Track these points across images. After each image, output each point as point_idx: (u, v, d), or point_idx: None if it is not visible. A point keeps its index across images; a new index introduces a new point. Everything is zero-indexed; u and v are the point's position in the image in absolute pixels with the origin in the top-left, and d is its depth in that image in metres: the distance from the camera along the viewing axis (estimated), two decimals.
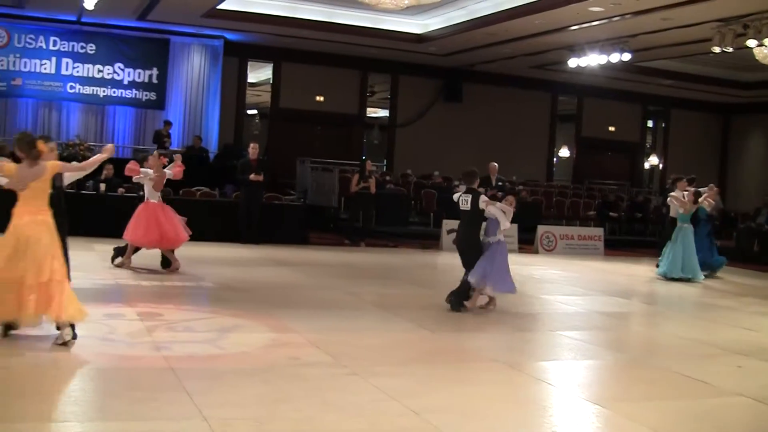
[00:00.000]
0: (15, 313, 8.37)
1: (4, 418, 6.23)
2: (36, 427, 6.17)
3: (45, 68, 26.98)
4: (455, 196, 13.02)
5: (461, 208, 12.64)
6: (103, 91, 27.52)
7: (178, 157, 15.51)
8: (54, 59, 27.01)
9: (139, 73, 27.86)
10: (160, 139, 26.08)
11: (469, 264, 12.43)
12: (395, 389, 7.62)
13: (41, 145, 8.66)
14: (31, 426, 6.17)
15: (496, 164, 23.21)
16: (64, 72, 27.11)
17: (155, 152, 16.26)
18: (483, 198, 12.51)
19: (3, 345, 8.44)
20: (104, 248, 15.57)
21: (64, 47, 27.11)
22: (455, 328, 11.28)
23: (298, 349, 9.00)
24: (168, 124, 26.76)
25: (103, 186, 20.15)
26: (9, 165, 8.45)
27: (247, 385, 7.56)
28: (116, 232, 14.97)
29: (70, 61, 27.18)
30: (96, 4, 21.01)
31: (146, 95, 27.96)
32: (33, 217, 8.50)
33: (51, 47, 27.00)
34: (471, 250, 12.51)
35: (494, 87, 31.99)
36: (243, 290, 13.30)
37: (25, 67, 26.77)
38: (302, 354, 8.83)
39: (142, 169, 14.72)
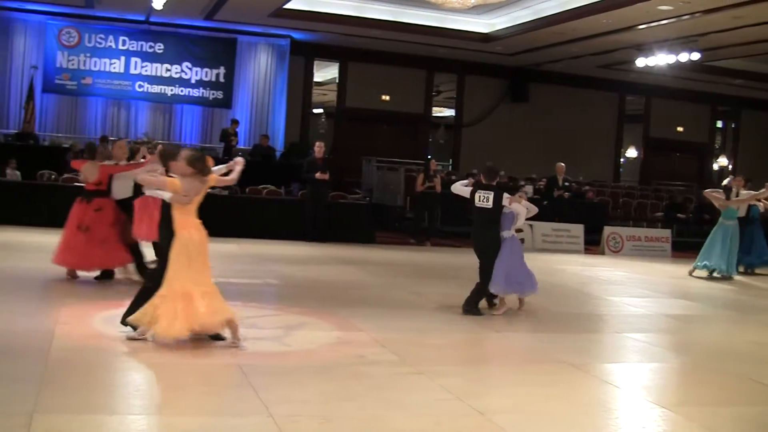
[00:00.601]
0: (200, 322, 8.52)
1: (70, 409, 6.32)
2: (103, 419, 6.23)
3: (114, 67, 27.36)
4: (462, 192, 12.38)
5: (478, 206, 12.01)
6: (171, 90, 27.83)
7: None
8: (123, 58, 27.39)
9: (207, 72, 28.12)
10: (227, 138, 26.27)
11: (488, 266, 11.96)
12: (460, 389, 7.60)
13: (210, 161, 8.83)
14: (98, 418, 6.24)
15: (563, 165, 23.08)
16: (132, 71, 27.49)
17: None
18: (507, 195, 11.98)
19: (70, 338, 8.55)
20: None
21: (133, 47, 27.48)
22: (521, 329, 11.22)
23: (363, 348, 9.00)
24: (235, 122, 26.93)
25: None
26: (173, 180, 8.54)
27: (313, 383, 7.58)
28: None
29: (138, 60, 27.54)
30: (164, 4, 21.25)
31: (213, 94, 28.21)
32: (198, 231, 8.70)
33: (120, 47, 27.38)
34: (493, 250, 11.99)
35: (560, 87, 31.79)
36: (308, 288, 13.34)
37: (95, 66, 27.19)
38: (367, 352, 8.83)
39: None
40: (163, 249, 8.77)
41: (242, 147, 27.09)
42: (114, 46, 27.35)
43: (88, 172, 12.40)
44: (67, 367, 7.52)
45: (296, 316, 10.67)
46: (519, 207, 12.10)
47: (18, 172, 21.60)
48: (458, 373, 8.33)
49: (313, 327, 10.08)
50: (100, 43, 27.28)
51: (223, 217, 20.20)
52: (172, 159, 9.05)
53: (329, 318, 10.55)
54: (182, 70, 27.89)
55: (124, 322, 8.79)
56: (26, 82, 26.64)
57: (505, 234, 12.14)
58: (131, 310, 8.72)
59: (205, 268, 8.69)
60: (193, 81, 28.02)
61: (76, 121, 27.37)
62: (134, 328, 8.64)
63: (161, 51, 27.72)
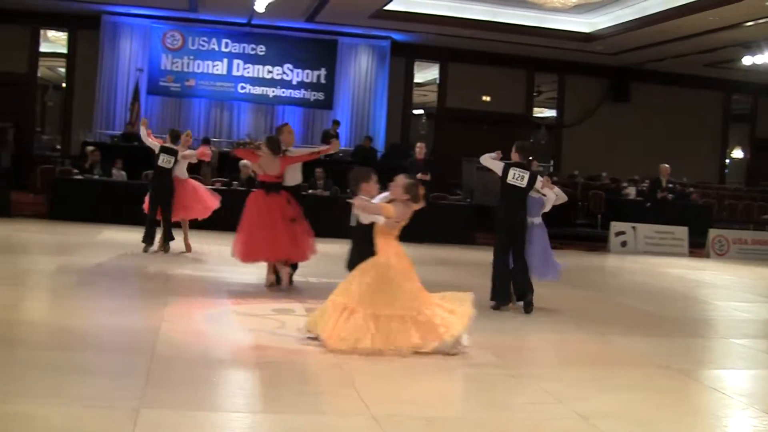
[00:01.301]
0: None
1: (175, 405, 6.39)
2: (207, 416, 6.30)
3: (217, 69, 27.74)
4: (492, 166, 11.99)
5: (510, 183, 11.66)
6: (273, 92, 28.10)
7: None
8: (226, 61, 27.75)
9: (308, 74, 28.32)
10: (329, 139, 26.35)
11: (519, 249, 11.67)
12: (562, 392, 7.50)
13: (423, 190, 8.92)
14: (202, 414, 6.30)
15: (667, 166, 22.75)
16: (235, 73, 27.83)
17: (187, 131, 17.19)
18: (540, 178, 11.68)
19: (175, 335, 8.67)
20: None
21: (235, 49, 27.83)
22: (625, 332, 11.02)
23: (465, 349, 8.95)
24: (336, 123, 27.07)
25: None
26: (388, 206, 8.65)
27: (415, 384, 7.57)
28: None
29: (241, 62, 27.87)
30: (266, 6, 21.43)
31: (314, 95, 28.40)
32: (398, 256, 8.79)
33: (223, 49, 27.76)
34: (522, 231, 11.71)
35: (664, 86, 31.26)
36: None
37: (198, 68, 27.61)
38: (469, 354, 8.78)
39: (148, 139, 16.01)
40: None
41: (344, 148, 27.21)
42: (217, 49, 27.75)
43: (267, 166, 12.20)
44: (172, 364, 7.63)
45: None
46: (550, 192, 11.89)
47: (123, 173, 22.00)
48: (558, 375, 8.23)
49: None
50: (204, 46, 27.70)
51: (325, 217, 20.34)
52: (364, 181, 9.24)
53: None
54: (284, 72, 28.14)
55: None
56: (132, 84, 27.17)
57: (535, 221, 12.00)
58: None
59: (401, 292, 8.61)
60: (294, 82, 28.25)
61: (180, 123, 27.74)
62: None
63: (263, 53, 28.01)
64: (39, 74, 29.00)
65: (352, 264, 9.20)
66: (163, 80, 27.51)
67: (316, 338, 8.64)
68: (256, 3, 21.66)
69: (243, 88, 27.99)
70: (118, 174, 21.89)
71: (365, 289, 8.51)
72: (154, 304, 10.33)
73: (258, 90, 28.09)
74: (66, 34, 28.57)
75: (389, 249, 8.69)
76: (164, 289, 11.70)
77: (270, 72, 28.06)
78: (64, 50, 28.73)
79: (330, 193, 21.53)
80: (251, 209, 12.22)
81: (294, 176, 12.53)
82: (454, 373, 8.08)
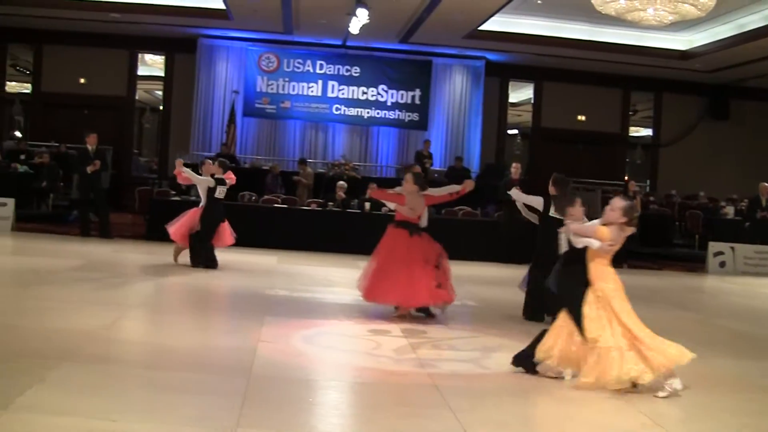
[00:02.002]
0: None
1: (272, 425, 6.42)
2: None
3: (312, 91, 27.99)
4: (532, 202, 12.10)
5: (554, 216, 11.33)
6: (367, 113, 28.24)
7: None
8: (320, 82, 28.00)
9: (402, 95, 28.40)
10: (421, 159, 26.43)
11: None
12: (665, 416, 7.36)
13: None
14: None
15: (767, 184, 22.27)
16: (330, 94, 28.05)
17: (206, 160, 16.96)
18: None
19: (272, 355, 8.70)
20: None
21: (329, 70, 28.06)
22: (725, 354, 10.76)
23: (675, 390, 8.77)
24: (427, 143, 27.11)
25: (367, 205, 20.61)
26: (604, 229, 8.56)
27: (511, 405, 7.50)
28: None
29: (335, 83, 28.08)
30: (360, 28, 21.56)
31: (409, 116, 28.46)
32: (615, 282, 8.53)
33: (317, 71, 28.01)
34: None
35: (765, 103, 30.67)
36: (506, 310, 13.20)
37: (293, 90, 27.90)
38: (566, 374, 8.65)
39: (197, 176, 15.97)
40: (574, 298, 8.54)
41: (437, 168, 27.24)
42: (311, 70, 28.01)
43: (415, 203, 11.81)
44: (269, 384, 7.66)
45: (494, 339, 10.61)
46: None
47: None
48: (660, 398, 8.06)
49: (511, 350, 9.83)
50: (298, 68, 27.98)
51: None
52: (569, 206, 9.12)
53: (527, 340, 10.38)
54: (378, 93, 28.26)
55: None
56: (227, 106, 27.59)
57: None
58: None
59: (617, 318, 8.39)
60: (389, 103, 28.35)
61: (275, 144, 28.15)
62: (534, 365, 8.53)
63: (358, 74, 28.18)
64: (137, 97, 29.60)
65: (564, 286, 8.88)
66: (259, 102, 27.84)
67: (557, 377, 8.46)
68: (350, 24, 21.81)
69: (338, 109, 28.18)
70: None
71: (627, 319, 8.27)
72: (250, 324, 10.40)
73: (353, 111, 28.25)
74: (163, 57, 29.22)
75: (607, 274, 8.51)
76: (260, 309, 11.76)
77: (364, 93, 28.21)
78: (161, 73, 29.36)
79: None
80: (391, 248, 11.68)
81: (425, 217, 12.24)
82: (554, 394, 7.96)
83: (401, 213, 11.83)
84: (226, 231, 16.02)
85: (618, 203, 8.57)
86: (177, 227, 15.77)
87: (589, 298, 8.29)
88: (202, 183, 15.83)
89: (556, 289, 8.80)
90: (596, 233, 8.38)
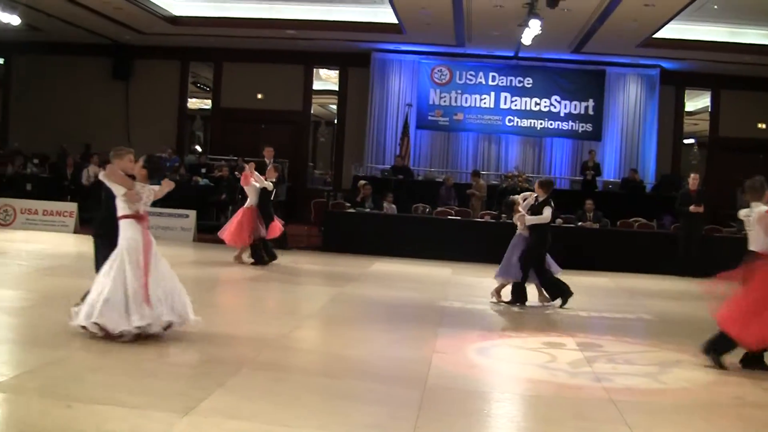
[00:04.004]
0: None
1: None
2: None
3: (484, 103, 27.97)
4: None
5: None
6: (540, 124, 28.04)
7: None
8: (493, 94, 27.95)
9: (576, 105, 28.08)
10: (584, 171, 26.16)
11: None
12: None
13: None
14: None
15: None
16: (502, 106, 27.97)
17: (249, 164, 17.93)
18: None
19: (446, 367, 8.74)
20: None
21: (502, 82, 27.98)
22: None
23: (742, 388, 8.57)
24: (591, 153, 26.73)
25: None
26: None
27: (689, 422, 7.32)
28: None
29: (508, 95, 27.98)
30: (533, 39, 21.46)
31: (582, 127, 28.12)
32: None
33: (490, 82, 27.96)
34: None
35: None
36: (684, 324, 12.95)
37: (466, 102, 27.94)
38: (746, 393, 8.41)
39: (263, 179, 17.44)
40: None
41: (610, 179, 26.89)
42: (484, 82, 27.99)
43: None
44: (444, 395, 7.71)
45: (672, 353, 10.39)
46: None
47: (394, 206, 22.45)
48: None
49: (690, 365, 9.67)
50: (471, 80, 28.01)
51: (595, 250, 20.15)
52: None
53: (705, 355, 10.10)
54: (551, 104, 28.04)
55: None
56: (401, 119, 27.84)
57: (524, 233, 14.02)
58: None
59: None
60: (562, 114, 28.08)
61: (449, 156, 28.27)
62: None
63: (530, 85, 28.02)
64: (312, 111, 30.18)
65: None
66: (432, 115, 27.99)
67: None
68: (523, 36, 21.73)
69: (510, 120, 28.07)
70: (389, 207, 22.34)
71: None
72: (424, 335, 10.49)
73: (525, 122, 28.10)
74: (337, 72, 29.66)
75: None
76: (434, 321, 11.84)
77: (537, 104, 28.03)
78: (336, 87, 29.80)
79: (600, 225, 21.26)
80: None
81: None
82: (729, 412, 7.75)
83: None
84: (277, 224, 17.74)
85: None
86: (234, 232, 17.37)
87: None
88: (267, 187, 17.41)
89: None
90: None
